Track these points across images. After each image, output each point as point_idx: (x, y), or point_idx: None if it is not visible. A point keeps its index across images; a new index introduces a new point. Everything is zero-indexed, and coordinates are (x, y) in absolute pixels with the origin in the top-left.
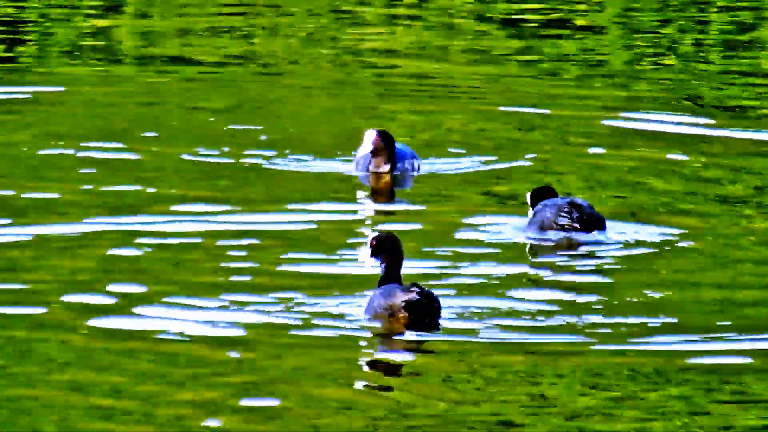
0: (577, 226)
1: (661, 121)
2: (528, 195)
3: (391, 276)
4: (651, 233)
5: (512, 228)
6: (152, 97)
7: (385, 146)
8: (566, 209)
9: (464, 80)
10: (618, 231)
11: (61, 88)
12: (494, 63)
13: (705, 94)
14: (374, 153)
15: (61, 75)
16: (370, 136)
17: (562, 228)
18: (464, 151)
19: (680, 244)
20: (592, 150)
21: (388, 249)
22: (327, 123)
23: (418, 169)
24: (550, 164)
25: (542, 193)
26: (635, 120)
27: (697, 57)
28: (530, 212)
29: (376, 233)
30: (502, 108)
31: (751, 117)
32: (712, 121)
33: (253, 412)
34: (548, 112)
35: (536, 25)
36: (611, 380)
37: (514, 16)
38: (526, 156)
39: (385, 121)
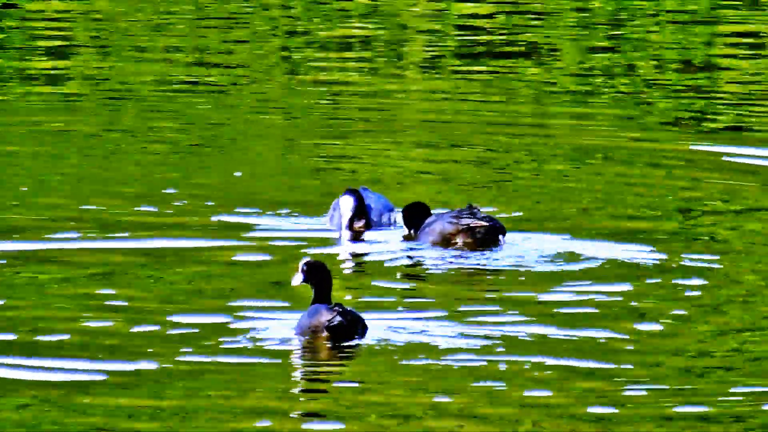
0: (485, 223)
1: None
2: (400, 213)
3: (321, 297)
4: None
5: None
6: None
7: (359, 208)
8: (467, 211)
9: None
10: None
11: None
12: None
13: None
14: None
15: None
16: (347, 203)
17: (467, 231)
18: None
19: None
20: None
21: (317, 273)
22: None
23: (395, 222)
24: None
25: (417, 210)
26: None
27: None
28: (404, 231)
29: (307, 258)
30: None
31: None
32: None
33: None
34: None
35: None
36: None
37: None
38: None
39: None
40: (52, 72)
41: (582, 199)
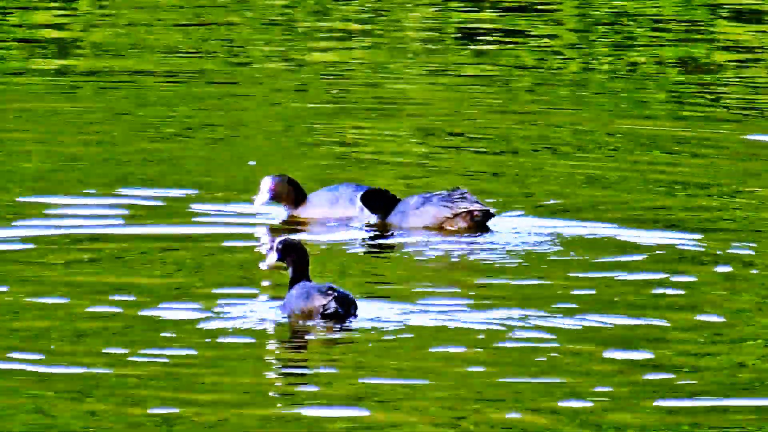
0: (482, 208)
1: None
2: (358, 199)
3: (299, 276)
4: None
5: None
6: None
7: (284, 192)
8: (457, 195)
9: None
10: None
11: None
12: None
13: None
14: (276, 199)
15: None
16: (265, 184)
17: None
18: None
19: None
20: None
21: (293, 251)
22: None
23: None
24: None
25: (376, 196)
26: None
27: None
28: (365, 215)
29: (282, 238)
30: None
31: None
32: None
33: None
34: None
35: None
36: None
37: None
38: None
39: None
40: (57, 64)
41: (598, 186)
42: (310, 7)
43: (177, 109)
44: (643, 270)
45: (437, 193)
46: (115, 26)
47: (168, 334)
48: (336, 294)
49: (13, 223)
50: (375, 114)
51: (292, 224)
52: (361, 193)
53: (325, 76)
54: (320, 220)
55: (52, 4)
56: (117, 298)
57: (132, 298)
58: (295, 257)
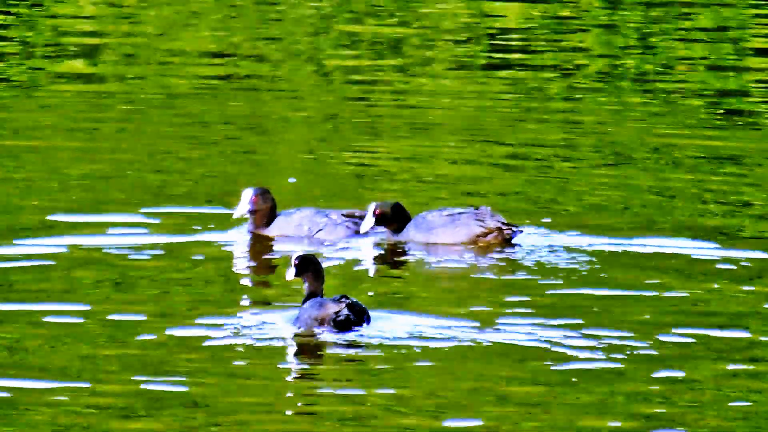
0: (516, 228)
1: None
2: (375, 208)
3: (314, 292)
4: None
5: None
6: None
7: (264, 208)
8: (483, 212)
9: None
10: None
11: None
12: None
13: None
14: (253, 213)
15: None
16: (247, 196)
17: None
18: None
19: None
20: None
21: (308, 266)
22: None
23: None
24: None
25: (399, 211)
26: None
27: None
28: (367, 226)
29: (299, 253)
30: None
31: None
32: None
33: None
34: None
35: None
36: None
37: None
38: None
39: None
40: (84, 71)
41: (634, 199)
42: (342, 17)
43: (203, 120)
44: (672, 287)
45: (461, 209)
46: (143, 34)
47: (182, 354)
48: (349, 302)
49: (33, 240)
50: (403, 127)
51: (262, 240)
52: (377, 206)
53: (353, 91)
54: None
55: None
56: (125, 317)
57: (141, 318)
58: (311, 273)
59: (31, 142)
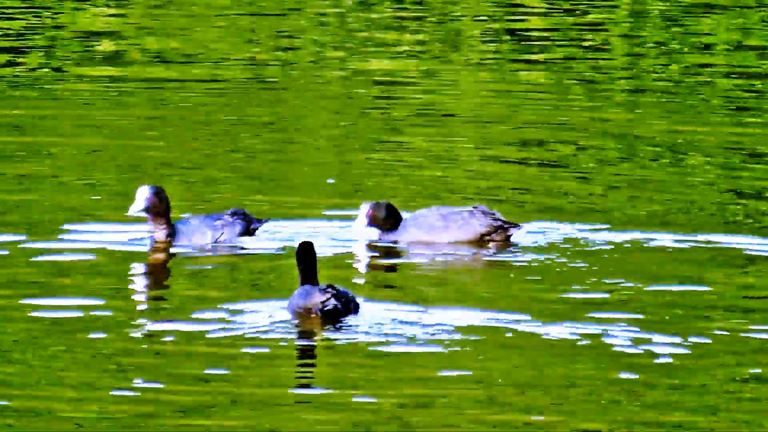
0: (515, 226)
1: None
2: (369, 209)
3: (307, 278)
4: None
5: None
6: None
7: (160, 207)
8: (481, 210)
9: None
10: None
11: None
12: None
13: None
14: (148, 211)
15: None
16: (143, 194)
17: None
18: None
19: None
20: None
21: (306, 254)
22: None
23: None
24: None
25: (392, 211)
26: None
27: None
28: (361, 225)
29: (302, 241)
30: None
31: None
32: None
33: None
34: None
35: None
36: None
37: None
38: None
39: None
40: (108, 69)
41: (655, 196)
42: (365, 15)
43: (227, 119)
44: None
45: (458, 208)
46: (167, 34)
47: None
48: (335, 291)
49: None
50: (427, 124)
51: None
52: (371, 205)
53: (380, 90)
54: (185, 245)
55: (105, 10)
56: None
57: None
58: (307, 260)
59: (50, 138)
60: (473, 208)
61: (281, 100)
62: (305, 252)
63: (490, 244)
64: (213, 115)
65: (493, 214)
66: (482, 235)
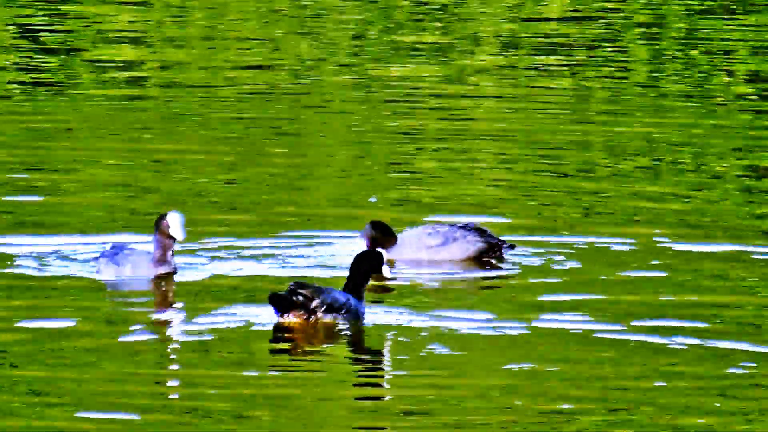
0: (507, 245)
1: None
2: (364, 238)
3: (350, 285)
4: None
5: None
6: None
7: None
8: (472, 227)
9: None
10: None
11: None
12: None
13: None
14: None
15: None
16: (174, 220)
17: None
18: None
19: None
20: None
21: (365, 262)
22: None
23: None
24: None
25: (383, 228)
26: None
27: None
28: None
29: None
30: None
31: None
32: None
33: None
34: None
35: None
36: None
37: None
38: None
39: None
40: (125, 77)
41: (676, 208)
42: (383, 24)
43: (245, 130)
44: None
45: (449, 225)
46: (184, 43)
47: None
48: (295, 286)
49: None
50: (445, 135)
51: None
52: (370, 223)
53: (395, 96)
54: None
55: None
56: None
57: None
58: (363, 268)
59: (66, 143)
60: (465, 225)
61: (296, 106)
62: (366, 259)
63: (486, 263)
64: (230, 120)
65: (485, 232)
66: (482, 253)
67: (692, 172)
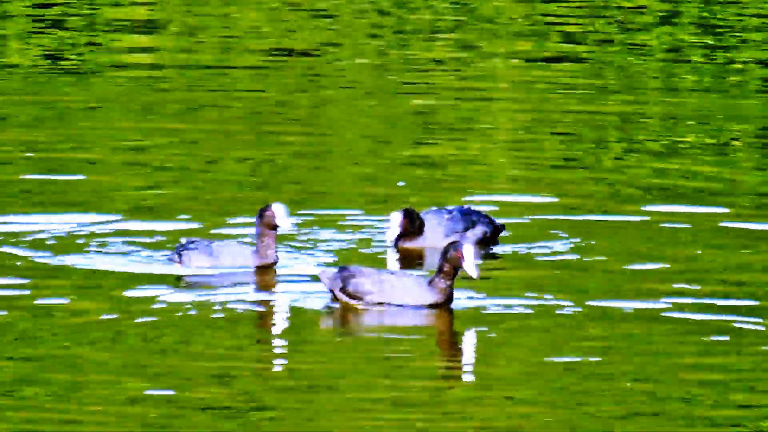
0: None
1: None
2: (401, 216)
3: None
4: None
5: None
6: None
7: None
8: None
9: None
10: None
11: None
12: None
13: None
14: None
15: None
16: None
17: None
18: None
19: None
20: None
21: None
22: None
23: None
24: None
25: (417, 217)
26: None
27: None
28: (392, 236)
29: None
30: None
31: None
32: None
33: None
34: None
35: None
36: None
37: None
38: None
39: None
40: (141, 62)
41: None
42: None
43: (266, 119)
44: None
45: (453, 209)
46: (204, 19)
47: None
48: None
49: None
50: (463, 126)
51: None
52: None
53: (411, 87)
54: None
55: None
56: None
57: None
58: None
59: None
60: (468, 209)
61: (317, 89)
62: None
63: (491, 246)
64: (248, 102)
65: (479, 213)
66: (488, 236)
67: (715, 152)
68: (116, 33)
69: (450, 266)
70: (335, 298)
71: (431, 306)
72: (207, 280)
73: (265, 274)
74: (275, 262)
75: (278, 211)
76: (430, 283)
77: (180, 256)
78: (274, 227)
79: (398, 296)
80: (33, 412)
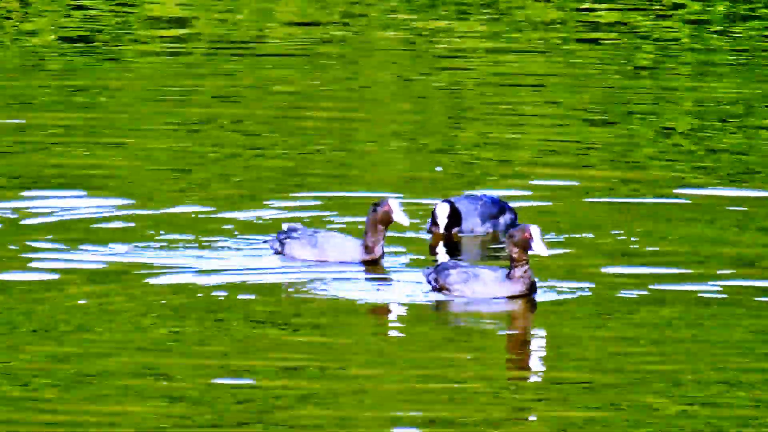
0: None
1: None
2: (448, 207)
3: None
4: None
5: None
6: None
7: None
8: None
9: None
10: None
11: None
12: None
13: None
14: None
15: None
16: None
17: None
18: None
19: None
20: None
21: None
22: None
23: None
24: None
25: (454, 211)
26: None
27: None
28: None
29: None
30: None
31: None
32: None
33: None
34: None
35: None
36: None
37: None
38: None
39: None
40: (172, 54)
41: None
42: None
43: (297, 112)
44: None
45: (477, 197)
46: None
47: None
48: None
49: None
50: (496, 119)
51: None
52: (448, 205)
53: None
54: None
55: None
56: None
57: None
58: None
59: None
60: (483, 197)
61: (346, 68)
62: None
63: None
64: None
65: (500, 200)
66: (512, 224)
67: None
68: (150, 21)
69: (520, 250)
70: (439, 289)
71: (514, 298)
72: (309, 272)
73: (374, 269)
74: (381, 257)
75: (394, 206)
76: (508, 276)
77: (282, 244)
78: (389, 222)
79: (488, 290)
80: (64, 405)
